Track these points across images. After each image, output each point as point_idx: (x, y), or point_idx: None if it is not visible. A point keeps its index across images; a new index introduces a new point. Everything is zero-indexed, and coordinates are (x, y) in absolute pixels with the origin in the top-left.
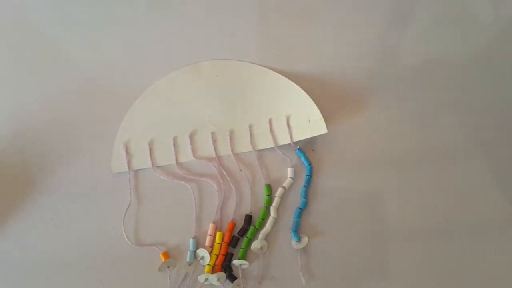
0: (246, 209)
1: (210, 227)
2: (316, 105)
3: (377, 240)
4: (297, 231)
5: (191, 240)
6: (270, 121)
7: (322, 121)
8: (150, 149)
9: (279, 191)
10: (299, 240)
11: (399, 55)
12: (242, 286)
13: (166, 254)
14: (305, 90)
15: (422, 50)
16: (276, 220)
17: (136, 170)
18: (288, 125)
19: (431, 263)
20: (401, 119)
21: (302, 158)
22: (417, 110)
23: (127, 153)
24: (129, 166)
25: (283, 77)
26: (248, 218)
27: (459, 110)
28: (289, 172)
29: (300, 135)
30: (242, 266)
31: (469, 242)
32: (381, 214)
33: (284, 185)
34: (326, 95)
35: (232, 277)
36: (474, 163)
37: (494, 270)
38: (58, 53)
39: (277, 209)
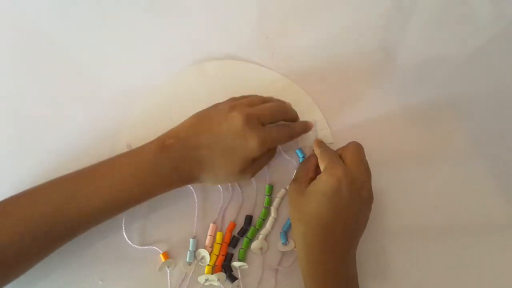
0: (246, 209)
1: (210, 227)
2: (316, 104)
3: (377, 240)
4: (287, 232)
5: (191, 240)
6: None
7: (328, 130)
8: None
9: (281, 192)
10: (286, 242)
11: (400, 55)
12: (241, 287)
13: (166, 254)
14: (305, 90)
15: (422, 50)
16: (276, 220)
17: None
18: None
19: (431, 263)
20: (401, 119)
21: (301, 160)
22: (417, 110)
23: None
24: None
25: (293, 83)
26: (249, 219)
27: (459, 110)
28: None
29: (305, 142)
30: (242, 268)
31: (469, 242)
32: (381, 214)
33: (287, 187)
34: (326, 95)
35: (232, 278)
36: (474, 164)
37: (494, 270)
38: (58, 52)
39: (277, 210)
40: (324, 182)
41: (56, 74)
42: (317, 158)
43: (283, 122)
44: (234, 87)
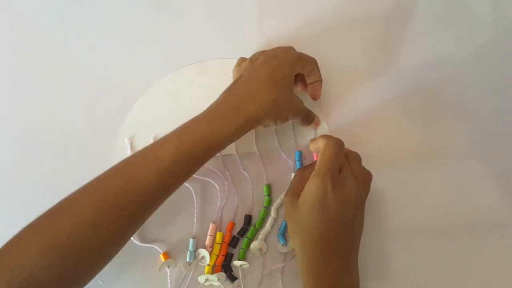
0: (246, 209)
1: (210, 227)
2: (315, 104)
3: (377, 240)
4: (284, 234)
5: (191, 240)
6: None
7: (327, 130)
8: None
9: (284, 194)
10: (285, 243)
11: (399, 54)
12: (242, 286)
13: (166, 255)
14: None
15: (422, 49)
16: (276, 220)
17: None
18: (293, 129)
19: (431, 263)
20: (401, 119)
21: (296, 162)
22: (417, 110)
23: (132, 148)
24: None
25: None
26: (248, 218)
27: (459, 109)
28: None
29: (304, 141)
30: (243, 267)
31: (469, 242)
32: (381, 214)
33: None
34: (326, 94)
35: (232, 278)
36: (474, 164)
37: (494, 270)
38: (60, 51)
39: (278, 210)
40: (311, 193)
41: (57, 74)
42: (311, 169)
43: None
44: None
